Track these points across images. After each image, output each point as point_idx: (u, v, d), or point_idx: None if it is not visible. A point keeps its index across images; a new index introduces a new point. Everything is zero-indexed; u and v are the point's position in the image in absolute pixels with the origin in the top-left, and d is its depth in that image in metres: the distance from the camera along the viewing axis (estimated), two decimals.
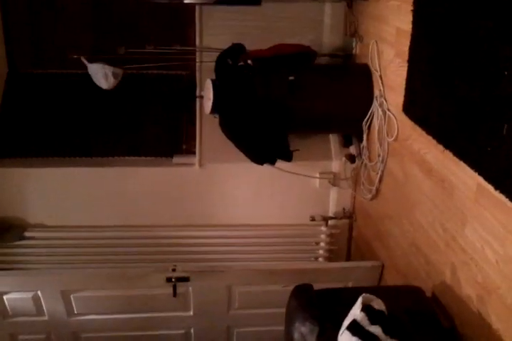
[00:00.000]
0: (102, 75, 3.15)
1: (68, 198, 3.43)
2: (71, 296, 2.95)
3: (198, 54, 3.36)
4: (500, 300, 1.84)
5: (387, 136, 2.80)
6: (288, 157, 3.04)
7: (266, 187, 3.50)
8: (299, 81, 2.96)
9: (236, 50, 3.04)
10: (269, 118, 2.98)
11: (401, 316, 1.88)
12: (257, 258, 3.49)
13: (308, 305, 2.10)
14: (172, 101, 3.63)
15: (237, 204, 3.52)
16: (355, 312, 1.81)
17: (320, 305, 2.08)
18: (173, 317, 3.07)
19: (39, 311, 2.98)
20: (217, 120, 3.10)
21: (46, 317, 3.00)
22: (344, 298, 2.03)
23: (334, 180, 3.47)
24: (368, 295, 1.87)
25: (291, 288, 2.25)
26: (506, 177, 1.75)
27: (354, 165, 3.34)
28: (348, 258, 3.63)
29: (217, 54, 3.08)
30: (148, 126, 3.60)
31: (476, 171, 1.94)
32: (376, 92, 2.93)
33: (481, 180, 1.91)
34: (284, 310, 2.21)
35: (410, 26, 2.43)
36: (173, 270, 2.89)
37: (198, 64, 3.36)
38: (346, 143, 3.43)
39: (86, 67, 3.18)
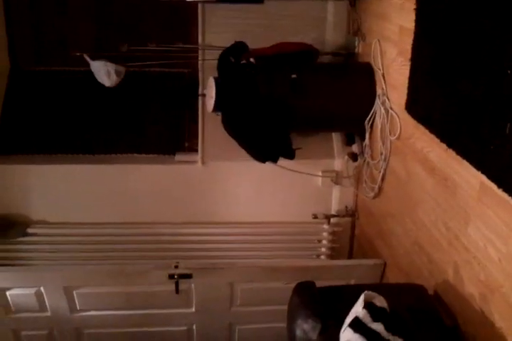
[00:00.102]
0: (104, 73, 3.16)
1: (70, 195, 3.44)
2: (74, 292, 2.96)
3: (200, 52, 3.36)
4: (503, 299, 1.84)
5: (390, 134, 2.80)
6: (290, 155, 3.04)
7: (268, 185, 3.50)
8: (301, 79, 2.97)
9: (238, 48, 3.05)
10: (272, 116, 2.99)
11: (403, 313, 1.88)
12: (259, 256, 3.49)
13: (310, 302, 2.10)
14: (174, 99, 3.63)
15: (239, 202, 3.53)
16: (358, 310, 1.82)
17: (322, 303, 2.09)
18: (175, 314, 3.09)
19: (42, 307, 2.99)
20: (219, 118, 3.10)
21: (49, 313, 3.02)
22: (346, 296, 2.04)
23: (336, 178, 3.47)
24: (370, 292, 1.88)
25: (293, 285, 2.25)
26: (509, 175, 1.76)
27: (356, 164, 3.34)
28: (350, 257, 3.63)
29: (220, 52, 3.09)
30: (150, 124, 3.60)
31: (479, 170, 1.94)
32: (379, 91, 2.93)
33: (484, 178, 1.92)
34: (286, 307, 2.22)
35: (413, 25, 2.43)
36: (176, 267, 2.89)
37: (200, 62, 3.37)
38: (349, 141, 3.44)
39: (88, 65, 3.19)
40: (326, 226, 3.52)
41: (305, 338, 2.00)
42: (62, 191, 3.43)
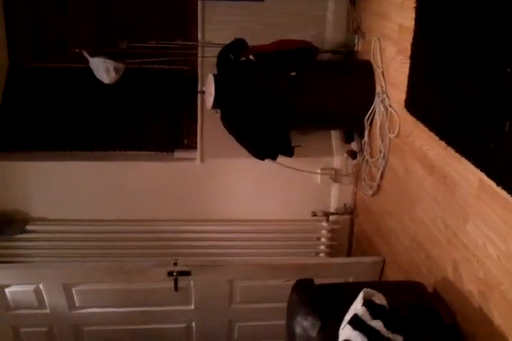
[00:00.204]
0: (103, 69, 3.15)
1: (69, 192, 3.44)
2: (73, 289, 2.96)
3: (200, 49, 3.36)
4: (502, 296, 1.85)
5: (389, 132, 2.81)
6: (289, 152, 3.05)
7: (267, 183, 3.50)
8: (300, 77, 2.97)
9: (238, 46, 3.05)
10: (271, 113, 2.99)
11: (402, 311, 1.89)
12: (258, 253, 3.50)
13: (309, 299, 2.11)
14: (173, 96, 3.63)
15: (238, 200, 3.53)
16: (357, 307, 1.82)
17: (321, 300, 2.09)
18: (174, 311, 3.09)
19: (41, 304, 2.99)
20: (218, 115, 3.10)
21: (48, 310, 3.02)
22: (345, 293, 2.04)
23: (335, 175, 3.48)
24: (369, 289, 1.88)
25: (292, 282, 2.25)
26: (508, 173, 1.76)
27: (355, 161, 3.35)
28: (349, 254, 3.64)
29: (219, 49, 3.08)
30: (149, 121, 3.60)
31: (478, 167, 1.94)
32: (378, 89, 2.94)
33: (482, 176, 1.92)
34: (285, 304, 2.22)
35: (413, 23, 2.44)
36: (175, 264, 2.90)
37: (199, 59, 3.36)
38: (348, 139, 3.44)
39: (88, 61, 3.18)
40: (324, 224, 3.52)
41: (304, 335, 2.00)
42: (61, 188, 3.43)
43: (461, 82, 2.04)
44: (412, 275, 2.61)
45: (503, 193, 1.80)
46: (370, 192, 3.11)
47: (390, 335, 1.75)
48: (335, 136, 3.47)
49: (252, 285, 3.01)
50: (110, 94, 3.52)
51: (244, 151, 3.05)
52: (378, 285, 2.03)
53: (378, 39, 2.90)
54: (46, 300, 2.98)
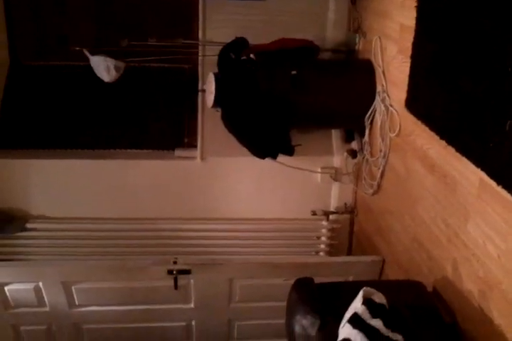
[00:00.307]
0: (104, 68, 3.15)
1: (70, 190, 3.44)
2: (72, 287, 2.96)
3: (200, 47, 3.36)
4: (502, 295, 1.85)
5: (390, 131, 2.80)
6: (290, 151, 3.05)
7: (267, 182, 3.50)
8: (301, 75, 2.97)
9: (239, 44, 3.04)
10: (272, 112, 2.99)
11: (402, 310, 1.89)
12: (258, 252, 3.50)
13: (309, 298, 2.11)
14: (174, 94, 3.62)
15: (238, 198, 3.53)
16: (356, 306, 1.82)
17: (321, 299, 2.09)
18: (174, 310, 3.09)
19: (40, 302, 2.99)
20: (219, 114, 3.10)
21: (47, 308, 3.02)
22: (345, 292, 2.04)
23: (336, 174, 3.48)
24: (368, 288, 1.88)
25: (292, 281, 2.26)
26: (509, 172, 1.76)
27: (356, 161, 3.35)
28: (349, 253, 3.64)
29: (220, 48, 3.08)
30: (150, 119, 3.60)
31: (478, 167, 1.94)
32: (379, 88, 2.94)
33: (483, 175, 1.92)
34: (284, 303, 2.22)
35: (414, 22, 2.43)
36: (175, 262, 2.90)
37: (200, 57, 3.36)
38: (348, 138, 3.44)
39: (88, 60, 3.18)
40: (324, 223, 3.52)
41: (304, 334, 2.00)
42: (61, 186, 3.43)
43: (462, 81, 2.04)
44: (412, 275, 2.61)
45: (504, 192, 1.80)
46: (371, 191, 3.11)
47: (390, 334, 1.74)
48: (335, 135, 3.47)
49: (251, 284, 3.01)
50: (111, 93, 3.52)
51: (244, 150, 3.05)
52: (378, 284, 2.04)
53: (379, 38, 2.90)
54: (46, 298, 2.98)
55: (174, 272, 2.89)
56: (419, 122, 2.43)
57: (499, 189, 1.82)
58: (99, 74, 3.17)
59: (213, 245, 3.49)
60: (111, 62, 3.14)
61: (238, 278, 2.99)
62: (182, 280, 2.93)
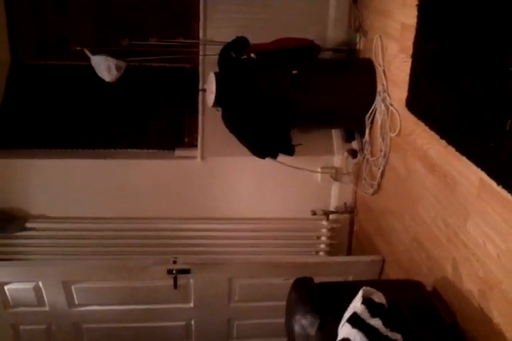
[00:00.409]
0: (104, 67, 3.15)
1: (70, 190, 3.43)
2: (72, 287, 2.96)
3: (201, 47, 3.35)
4: (502, 295, 1.85)
5: (390, 131, 2.80)
6: (290, 151, 3.04)
7: (268, 181, 3.50)
8: (302, 75, 2.97)
9: (240, 44, 3.04)
10: (272, 112, 2.99)
11: (402, 309, 1.88)
12: (258, 252, 3.49)
13: (308, 298, 2.11)
14: (175, 94, 3.62)
15: (238, 198, 3.52)
16: (356, 305, 1.82)
17: (320, 298, 2.09)
18: (173, 309, 3.09)
19: (40, 302, 2.99)
20: (219, 113, 3.10)
21: (47, 308, 3.02)
22: (344, 291, 2.04)
23: (336, 174, 3.47)
24: (368, 288, 1.88)
25: (291, 281, 2.25)
26: (509, 172, 1.76)
27: (356, 160, 3.34)
28: (349, 253, 3.64)
29: (221, 47, 3.08)
30: (150, 119, 3.59)
31: (478, 166, 1.94)
32: (379, 87, 2.93)
33: (483, 175, 1.92)
34: (284, 303, 2.22)
35: (415, 21, 2.43)
36: (174, 262, 2.90)
37: (201, 57, 3.36)
38: (348, 138, 3.43)
39: (89, 59, 3.18)
40: (324, 223, 3.52)
41: (303, 334, 2.00)
42: (61, 186, 3.43)
43: (463, 81, 2.04)
44: (412, 274, 2.60)
45: (504, 192, 1.80)
46: (371, 190, 3.10)
47: (389, 333, 1.74)
48: (336, 134, 3.46)
49: (251, 284, 3.01)
50: (111, 92, 3.52)
51: (244, 150, 3.04)
52: (378, 284, 2.03)
53: (380, 37, 2.90)
54: (45, 298, 2.98)
55: (174, 271, 2.89)
56: (419, 122, 2.43)
57: (499, 189, 1.82)
58: (100, 74, 3.17)
59: (213, 245, 3.49)
60: (112, 62, 3.14)
61: (238, 277, 2.99)
62: (182, 279, 2.93)
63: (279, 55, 3.06)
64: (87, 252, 3.44)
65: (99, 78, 3.18)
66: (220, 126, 3.06)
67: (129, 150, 3.53)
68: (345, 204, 3.52)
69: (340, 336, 1.80)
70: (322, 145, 3.46)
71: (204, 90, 3.26)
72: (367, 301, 1.81)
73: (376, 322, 1.75)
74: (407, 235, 2.68)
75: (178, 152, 3.51)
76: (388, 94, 2.82)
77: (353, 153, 3.34)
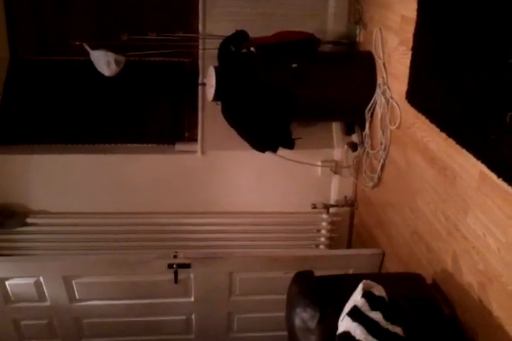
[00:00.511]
0: (104, 62, 3.14)
1: (70, 185, 3.43)
2: (73, 282, 2.96)
3: (200, 41, 3.34)
4: (502, 288, 1.85)
5: (390, 124, 2.79)
6: (290, 145, 3.04)
7: (268, 175, 3.50)
8: (302, 68, 2.96)
9: (239, 37, 3.03)
10: (272, 105, 2.98)
11: (402, 302, 1.88)
12: (258, 246, 3.50)
13: (309, 291, 2.10)
14: (174, 88, 3.62)
15: (239, 192, 3.52)
16: (356, 298, 1.82)
17: (321, 292, 2.09)
18: (174, 304, 3.09)
19: (41, 297, 3.00)
20: (219, 107, 3.09)
21: (48, 303, 3.03)
22: (345, 285, 2.03)
23: (336, 168, 3.47)
24: (368, 281, 1.88)
25: (292, 274, 2.25)
26: (509, 165, 1.75)
27: (356, 154, 3.34)
28: (349, 246, 3.64)
29: (221, 41, 3.07)
30: (150, 113, 3.59)
31: (478, 159, 1.94)
32: (379, 80, 2.92)
33: (483, 168, 1.91)
34: (284, 296, 2.22)
35: (415, 14, 2.42)
36: (175, 256, 2.90)
37: (200, 51, 3.35)
38: (348, 131, 3.43)
39: (88, 54, 3.17)
40: (325, 216, 3.52)
41: (304, 327, 2.00)
42: (61, 181, 3.43)
43: (463, 73, 2.03)
44: (412, 267, 2.60)
45: (504, 185, 1.79)
46: (371, 184, 3.10)
47: (389, 326, 1.74)
48: (336, 128, 3.46)
49: (251, 278, 3.01)
50: (111, 87, 3.51)
51: (245, 144, 3.04)
52: (378, 277, 2.04)
53: (380, 30, 2.88)
54: (46, 293, 2.99)
55: (174, 266, 2.89)
56: (419, 114, 2.43)
57: (499, 181, 1.81)
58: (99, 69, 3.17)
59: (213, 239, 3.49)
60: (111, 57, 3.13)
61: (238, 271, 2.99)
62: (182, 274, 2.94)
63: (278, 48, 3.05)
64: (88, 247, 3.45)
65: (99, 73, 3.17)
66: (220, 120, 3.06)
67: (129, 145, 3.54)
68: (345, 197, 3.52)
69: (340, 329, 1.80)
70: (322, 138, 3.46)
71: (204, 84, 3.25)
72: (367, 294, 1.81)
73: (376, 316, 1.75)
74: (407, 228, 2.68)
75: (178, 146, 3.51)
76: (388, 87, 2.81)
77: (353, 147, 3.34)
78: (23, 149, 3.43)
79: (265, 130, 3.04)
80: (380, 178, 3.01)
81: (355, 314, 1.78)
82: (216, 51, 3.08)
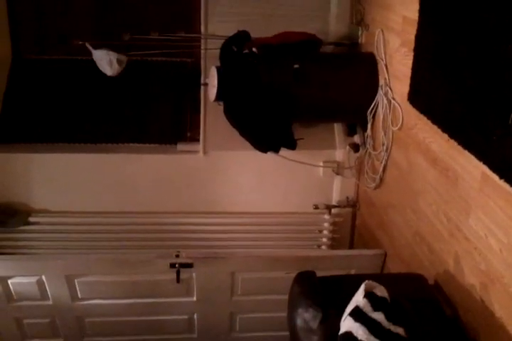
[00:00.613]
0: (106, 62, 3.15)
1: (72, 184, 3.44)
2: (75, 281, 2.97)
3: (203, 41, 3.35)
4: (504, 289, 1.85)
5: (392, 125, 2.80)
6: (292, 145, 3.04)
7: (270, 175, 3.50)
8: (304, 69, 2.96)
9: (241, 38, 3.04)
10: (274, 106, 2.98)
11: (404, 303, 1.89)
12: (260, 246, 3.50)
13: (311, 291, 2.11)
14: (176, 88, 3.62)
15: (240, 192, 3.52)
16: (358, 299, 1.82)
17: (323, 292, 2.10)
18: (176, 303, 3.10)
19: (43, 295, 3.00)
20: (221, 107, 3.10)
21: (50, 302, 3.03)
22: (347, 285, 2.04)
23: (338, 168, 3.47)
24: (370, 282, 1.88)
25: (294, 274, 2.26)
26: (511, 166, 1.76)
27: (358, 154, 3.34)
28: (351, 247, 3.64)
29: (223, 41, 3.08)
30: (152, 113, 3.59)
31: (480, 160, 1.94)
32: (381, 81, 2.93)
33: (485, 169, 1.92)
34: (286, 296, 2.22)
35: (417, 15, 2.42)
36: (177, 256, 2.91)
37: (202, 51, 3.36)
38: (350, 132, 3.43)
39: (91, 54, 3.18)
40: (326, 217, 3.52)
41: (306, 327, 2.01)
42: (64, 180, 3.43)
43: (465, 74, 2.04)
44: (414, 268, 2.61)
45: (506, 186, 1.80)
46: (373, 185, 3.11)
47: (391, 327, 1.74)
48: (337, 128, 3.46)
49: (253, 277, 3.02)
50: (112, 87, 3.51)
51: (247, 144, 3.04)
52: (380, 278, 2.04)
53: (382, 31, 2.89)
54: (49, 292, 2.99)
55: (176, 265, 2.90)
56: (421, 115, 2.43)
57: (502, 183, 1.82)
58: (101, 68, 3.17)
59: (215, 239, 3.50)
60: (113, 56, 3.14)
61: (240, 271, 2.99)
62: (184, 273, 2.94)
63: (280, 49, 3.05)
64: (90, 246, 3.45)
65: (101, 72, 3.18)
66: (222, 120, 3.06)
67: (131, 144, 3.54)
68: (347, 198, 3.53)
69: (342, 329, 1.80)
70: (324, 139, 3.46)
71: (206, 84, 3.26)
72: (369, 295, 1.81)
73: (378, 316, 1.75)
74: (409, 229, 2.68)
75: (180, 146, 3.51)
76: (390, 88, 2.82)
77: (355, 147, 3.34)
78: (25, 148, 3.43)
79: (267, 130, 3.05)
80: (381, 179, 3.02)
81: (357, 314, 1.78)
82: (218, 51, 3.08)
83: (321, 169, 3.48)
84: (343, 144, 3.44)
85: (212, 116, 3.34)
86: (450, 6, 2.14)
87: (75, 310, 3.08)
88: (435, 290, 2.29)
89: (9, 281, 2.95)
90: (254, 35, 3.02)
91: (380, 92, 2.91)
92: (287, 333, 2.16)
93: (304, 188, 3.53)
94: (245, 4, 3.31)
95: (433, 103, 2.32)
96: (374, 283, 1.87)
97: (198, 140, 3.45)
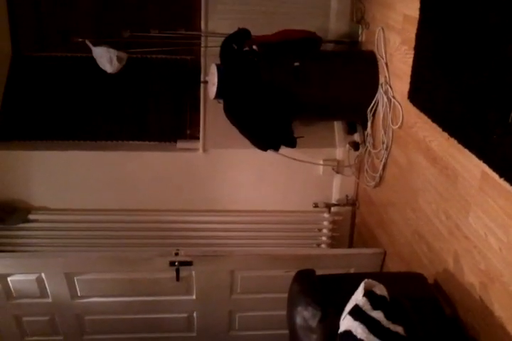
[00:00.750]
0: (106, 59, 3.15)
1: (72, 181, 3.43)
2: (75, 279, 2.97)
3: (203, 39, 3.35)
4: (504, 288, 1.85)
5: (392, 123, 2.80)
6: (292, 143, 3.04)
7: (269, 174, 3.50)
8: (304, 67, 2.96)
9: (241, 35, 3.03)
10: (274, 104, 2.98)
11: (403, 302, 1.89)
12: (259, 244, 3.50)
13: (310, 290, 2.11)
14: (176, 86, 3.62)
15: (240, 190, 3.52)
16: (358, 298, 1.82)
17: (322, 290, 2.09)
18: (176, 301, 3.10)
19: (43, 293, 3.00)
20: (221, 105, 3.09)
21: (50, 299, 3.03)
22: (346, 284, 2.04)
23: (338, 167, 3.46)
24: (370, 280, 1.88)
25: (293, 273, 2.26)
26: (511, 165, 1.75)
27: (358, 153, 3.34)
28: (351, 245, 3.64)
29: (223, 39, 3.07)
30: (152, 111, 3.59)
31: (480, 159, 1.94)
32: (381, 79, 2.92)
33: (485, 168, 1.92)
34: (286, 295, 2.22)
35: (417, 13, 2.42)
36: (176, 254, 2.90)
37: (202, 49, 3.35)
38: (350, 130, 3.43)
39: (91, 51, 3.18)
40: (326, 215, 3.52)
41: (305, 326, 2.01)
42: (63, 177, 3.43)
43: (465, 73, 2.03)
44: (414, 267, 2.61)
45: (506, 185, 1.80)
46: (373, 183, 3.10)
47: (391, 326, 1.74)
48: (337, 127, 3.46)
49: (253, 276, 3.01)
50: (112, 84, 3.51)
51: (246, 142, 3.04)
52: (379, 276, 2.04)
53: (382, 29, 2.88)
54: (48, 289, 2.99)
55: (176, 264, 2.90)
56: (421, 114, 2.43)
57: (501, 181, 1.81)
58: (101, 65, 3.17)
59: (215, 237, 3.50)
60: (113, 53, 3.14)
61: (239, 269, 2.99)
62: (184, 271, 2.94)
63: (281, 46, 3.05)
64: (90, 244, 3.45)
65: (101, 70, 3.17)
66: (221, 118, 3.05)
67: (131, 142, 3.53)
68: (346, 196, 3.53)
69: (341, 328, 1.80)
70: (324, 137, 3.45)
71: (206, 82, 3.25)
72: (368, 293, 1.81)
73: (378, 315, 1.75)
74: (408, 228, 2.68)
75: (180, 144, 3.51)
76: (390, 87, 2.81)
77: (355, 146, 3.34)
78: (25, 145, 3.43)
79: (267, 128, 3.04)
80: (381, 178, 3.01)
81: (357, 313, 1.78)
82: (218, 49, 3.08)
83: (321, 167, 3.48)
84: (343, 142, 3.43)
85: (212, 113, 3.34)
86: (450, 4, 2.14)
87: (75, 307, 3.08)
88: (434, 289, 2.29)
89: (9, 279, 2.95)
90: (254, 32, 3.02)
91: (380, 91, 2.91)
92: (287, 331, 2.16)
93: (304, 186, 3.53)
94: (246, 2, 3.30)
95: (433, 101, 2.32)
96: (373, 282, 1.87)
97: (198, 138, 3.44)
